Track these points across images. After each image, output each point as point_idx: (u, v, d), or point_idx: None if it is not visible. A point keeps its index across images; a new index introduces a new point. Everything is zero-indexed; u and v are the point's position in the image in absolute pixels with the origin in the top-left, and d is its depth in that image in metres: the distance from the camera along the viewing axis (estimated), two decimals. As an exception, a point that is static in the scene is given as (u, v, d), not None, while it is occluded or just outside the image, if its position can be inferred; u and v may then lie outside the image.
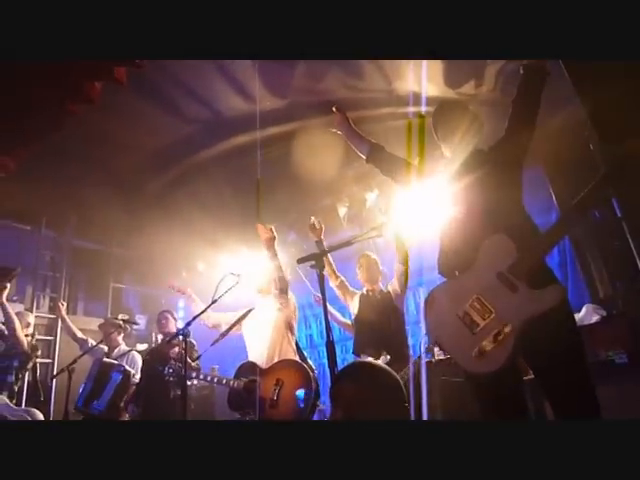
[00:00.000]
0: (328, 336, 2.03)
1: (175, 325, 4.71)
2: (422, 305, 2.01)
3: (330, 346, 2.02)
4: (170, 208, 5.62)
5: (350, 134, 2.57)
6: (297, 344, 3.72)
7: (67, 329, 4.84)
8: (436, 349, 3.83)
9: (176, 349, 4.15)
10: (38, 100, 3.22)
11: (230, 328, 3.48)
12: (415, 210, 3.45)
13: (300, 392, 3.23)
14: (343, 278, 4.06)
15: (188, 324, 3.22)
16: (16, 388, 4.33)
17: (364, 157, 2.52)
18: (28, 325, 4.59)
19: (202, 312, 3.42)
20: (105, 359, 4.49)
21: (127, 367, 4.45)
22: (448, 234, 2.13)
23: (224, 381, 3.55)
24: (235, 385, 3.45)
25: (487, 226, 1.94)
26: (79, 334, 4.81)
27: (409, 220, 3.92)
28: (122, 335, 4.73)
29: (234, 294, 3.56)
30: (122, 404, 4.38)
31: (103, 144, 4.69)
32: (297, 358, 3.55)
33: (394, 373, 1.64)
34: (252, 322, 3.69)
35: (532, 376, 2.01)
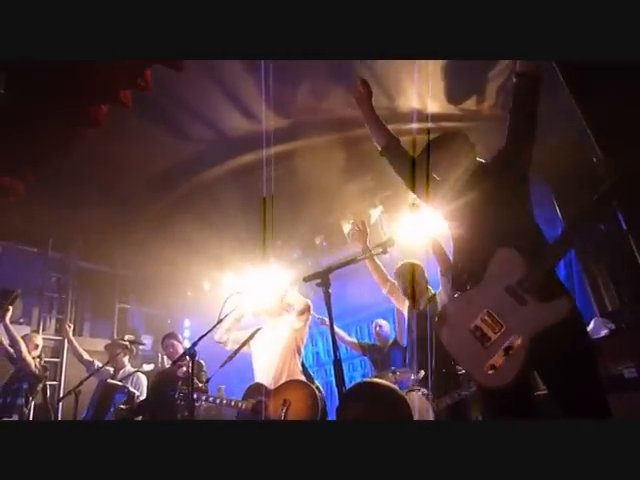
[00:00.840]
0: (335, 354, 2.02)
1: (182, 348, 4.68)
2: (436, 320, 2.00)
3: (338, 365, 2.01)
4: (176, 228, 5.65)
5: (369, 115, 2.46)
6: (303, 364, 3.68)
7: (74, 351, 4.83)
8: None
9: (184, 369, 4.12)
10: (48, 125, 3.28)
11: (239, 349, 3.46)
12: (423, 225, 3.36)
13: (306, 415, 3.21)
14: (393, 281, 3.76)
15: (194, 344, 3.22)
16: (26, 411, 4.33)
17: (379, 148, 2.45)
18: (36, 347, 4.60)
19: (208, 332, 3.40)
20: (109, 380, 4.46)
21: (131, 388, 4.42)
22: (459, 250, 2.14)
23: (232, 403, 3.54)
24: (243, 407, 3.44)
25: (495, 240, 1.94)
26: (85, 356, 4.80)
27: (419, 235, 3.81)
28: (128, 357, 4.71)
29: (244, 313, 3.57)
30: None
31: (108, 166, 4.74)
32: (304, 378, 3.53)
33: (400, 391, 1.62)
34: (261, 341, 3.67)
35: (544, 390, 1.99)
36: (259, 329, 3.63)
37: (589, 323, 3.71)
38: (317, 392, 3.34)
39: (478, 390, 2.00)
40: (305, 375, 3.60)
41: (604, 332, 3.65)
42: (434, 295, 3.53)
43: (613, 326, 3.70)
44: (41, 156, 3.69)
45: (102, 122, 3.46)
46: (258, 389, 3.49)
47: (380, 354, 4.68)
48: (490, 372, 1.78)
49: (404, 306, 3.75)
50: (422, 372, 3.31)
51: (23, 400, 4.35)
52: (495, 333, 1.83)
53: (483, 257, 1.94)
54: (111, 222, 5.41)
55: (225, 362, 3.20)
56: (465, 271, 2.06)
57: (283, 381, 3.45)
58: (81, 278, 6.84)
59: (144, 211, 5.54)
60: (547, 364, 1.82)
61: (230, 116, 4.42)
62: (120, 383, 4.43)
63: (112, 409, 4.25)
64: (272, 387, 3.45)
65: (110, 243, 5.97)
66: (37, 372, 4.48)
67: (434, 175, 2.27)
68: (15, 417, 4.22)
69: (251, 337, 3.57)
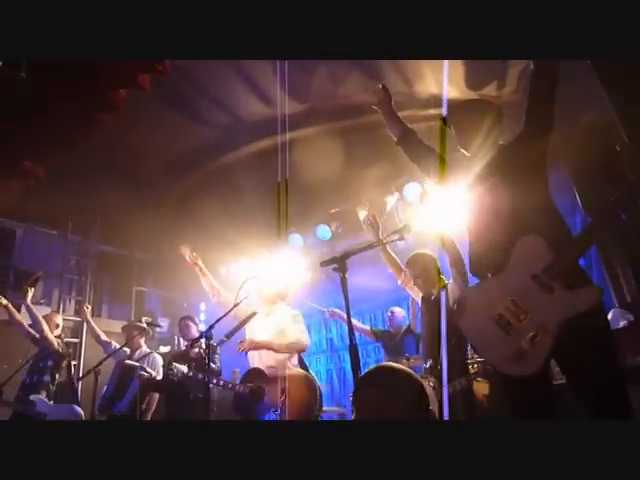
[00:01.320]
0: (351, 340, 2.02)
1: (197, 330, 4.76)
2: (454, 308, 1.99)
3: (353, 350, 2.02)
4: (193, 213, 5.69)
5: (388, 114, 2.53)
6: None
7: (92, 331, 4.92)
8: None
9: (196, 350, 4.21)
10: (67, 109, 3.30)
11: (235, 331, 3.45)
12: (443, 211, 3.31)
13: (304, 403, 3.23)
14: (407, 270, 3.65)
15: (211, 327, 3.26)
16: (53, 387, 4.47)
17: (395, 139, 2.49)
18: (57, 326, 4.73)
19: (224, 315, 3.43)
20: (127, 361, 4.54)
21: (149, 369, 4.51)
22: (477, 235, 2.10)
23: (229, 385, 3.59)
24: (241, 390, 3.48)
25: (518, 226, 1.91)
26: (103, 337, 4.89)
27: (438, 221, 3.76)
28: (144, 338, 4.78)
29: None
30: (144, 407, 4.43)
31: (126, 150, 4.78)
32: (299, 367, 3.55)
33: (416, 376, 1.62)
34: (257, 327, 3.69)
35: (561, 380, 1.98)
36: (254, 313, 3.60)
37: (608, 314, 3.67)
38: (315, 384, 3.33)
39: (498, 378, 1.99)
40: (300, 365, 3.64)
41: (623, 323, 3.60)
42: (446, 285, 3.51)
43: (632, 317, 3.65)
44: (61, 140, 3.73)
45: (121, 106, 3.48)
46: (257, 374, 3.52)
47: (393, 341, 4.69)
48: (515, 361, 1.77)
49: (418, 295, 3.74)
50: (430, 361, 3.32)
51: (49, 377, 4.49)
52: (520, 321, 1.80)
53: (505, 244, 1.91)
54: (130, 206, 5.46)
55: (221, 341, 3.20)
56: (485, 258, 2.03)
57: (275, 368, 3.46)
58: (100, 261, 6.94)
59: (162, 195, 5.58)
60: (569, 354, 1.80)
61: (247, 101, 4.41)
62: (138, 364, 4.50)
63: (131, 389, 4.35)
64: (268, 373, 3.47)
65: (129, 227, 6.03)
66: (60, 349, 4.61)
67: (459, 146, 2.25)
68: (43, 394, 4.38)
69: (247, 320, 3.53)
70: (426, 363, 3.33)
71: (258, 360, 3.63)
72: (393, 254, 3.73)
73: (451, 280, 3.37)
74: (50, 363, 4.52)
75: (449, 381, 3.14)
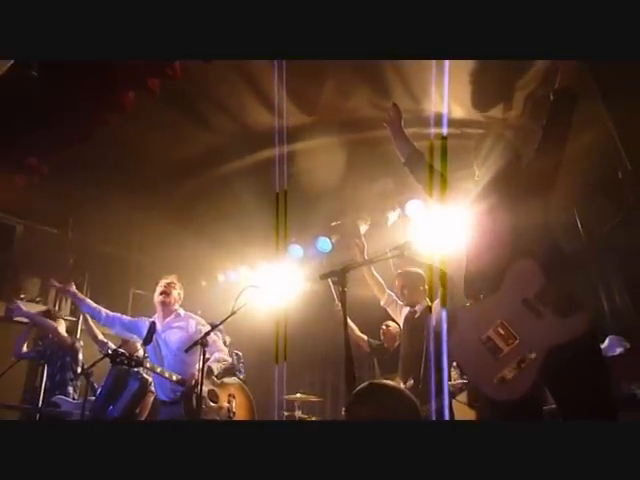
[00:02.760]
0: (348, 352, 2.02)
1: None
2: (444, 328, 1.99)
3: (349, 363, 2.01)
4: (193, 218, 5.69)
5: (397, 133, 2.56)
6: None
7: (89, 330, 4.87)
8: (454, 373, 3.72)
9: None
10: (75, 108, 3.33)
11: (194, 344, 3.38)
12: (441, 230, 3.37)
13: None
14: (391, 293, 3.82)
15: (207, 334, 3.26)
16: (78, 383, 4.59)
17: (403, 159, 2.52)
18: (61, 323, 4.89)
19: (221, 323, 3.45)
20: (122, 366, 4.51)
21: (144, 375, 4.49)
22: (474, 256, 2.11)
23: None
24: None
25: (514, 250, 1.92)
26: (100, 336, 4.85)
27: (436, 240, 3.81)
28: (140, 341, 4.75)
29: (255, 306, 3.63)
30: (137, 411, 4.40)
31: (130, 152, 4.80)
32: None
33: (408, 393, 1.62)
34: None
35: (552, 405, 1.96)
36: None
37: (604, 341, 3.66)
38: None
39: (485, 402, 1.98)
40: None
41: (619, 350, 3.59)
42: (430, 307, 3.55)
43: (628, 345, 3.64)
44: (66, 138, 3.75)
45: (128, 108, 3.50)
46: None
47: (385, 355, 4.67)
48: (500, 385, 1.76)
49: (400, 318, 3.78)
50: (411, 381, 3.32)
51: (71, 373, 4.57)
52: (508, 345, 1.80)
53: (500, 267, 1.92)
54: (130, 207, 5.47)
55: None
56: (479, 280, 2.04)
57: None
58: (97, 261, 6.92)
59: (163, 198, 5.59)
60: (559, 380, 1.79)
61: (254, 110, 4.44)
62: (135, 369, 4.48)
63: (125, 393, 4.35)
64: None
65: (128, 228, 6.04)
66: (74, 343, 4.73)
67: (475, 167, 2.29)
68: (70, 389, 4.51)
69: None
70: (406, 382, 3.33)
71: None
72: (377, 275, 3.81)
73: (437, 301, 3.46)
74: (68, 359, 4.61)
75: (428, 402, 3.14)
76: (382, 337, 4.82)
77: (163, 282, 4.03)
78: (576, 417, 1.75)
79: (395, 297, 3.80)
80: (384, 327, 4.84)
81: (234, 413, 3.73)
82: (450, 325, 2.00)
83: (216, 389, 3.70)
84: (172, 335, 3.82)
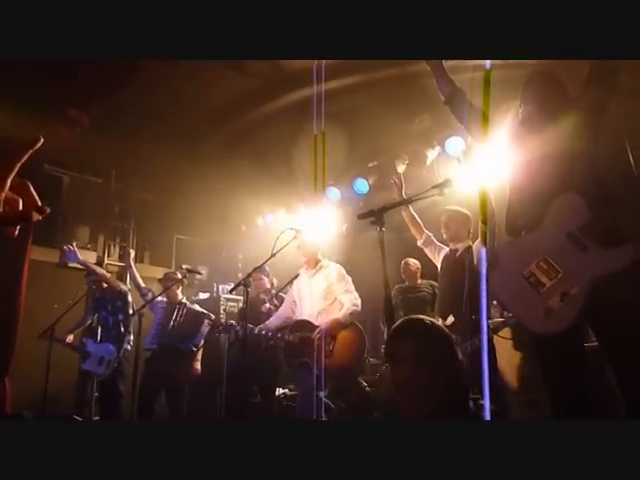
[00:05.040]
0: (386, 291, 2.05)
1: (269, 282, 4.92)
2: (483, 265, 1.99)
3: (388, 301, 2.05)
4: (231, 163, 5.72)
5: (439, 71, 2.45)
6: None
7: (132, 277, 5.04)
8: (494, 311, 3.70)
9: (267, 305, 4.49)
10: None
11: (281, 289, 3.66)
12: (483, 168, 3.27)
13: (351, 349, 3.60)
14: (429, 233, 3.79)
15: (248, 276, 3.41)
16: (131, 326, 4.82)
17: (443, 98, 2.43)
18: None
19: (262, 265, 3.62)
20: (192, 306, 4.87)
21: (213, 316, 4.88)
22: (517, 192, 2.07)
23: (279, 335, 3.84)
24: (291, 339, 3.72)
25: (558, 185, 1.86)
26: (142, 284, 5.02)
27: (477, 178, 3.71)
28: (181, 289, 4.93)
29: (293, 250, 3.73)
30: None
31: (166, 98, 4.80)
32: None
33: (446, 329, 1.65)
34: (298, 289, 3.94)
35: (594, 343, 1.96)
36: (297, 275, 3.91)
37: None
38: (361, 333, 3.62)
39: (529, 339, 1.99)
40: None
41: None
42: (470, 246, 3.52)
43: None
44: (103, 87, 3.78)
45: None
46: (303, 324, 3.73)
47: (413, 293, 4.70)
48: (543, 318, 1.76)
49: (437, 259, 3.77)
50: (451, 318, 3.35)
51: (122, 315, 4.85)
52: (550, 279, 1.79)
53: (543, 202, 1.88)
54: (170, 154, 5.53)
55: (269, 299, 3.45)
56: (521, 217, 2.01)
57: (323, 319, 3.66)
58: (141, 209, 7.14)
59: (202, 144, 5.62)
60: (602, 313, 1.77)
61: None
62: (205, 311, 4.86)
63: (201, 330, 4.71)
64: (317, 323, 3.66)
65: (169, 175, 6.14)
66: (123, 288, 5.02)
67: (520, 110, 2.21)
68: (122, 330, 4.80)
69: (290, 282, 3.89)
70: (445, 320, 3.36)
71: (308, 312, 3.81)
72: (415, 215, 3.74)
73: (478, 240, 3.43)
74: (119, 303, 4.89)
75: (465, 341, 3.18)
76: (402, 275, 4.81)
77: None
78: (619, 352, 1.74)
79: (433, 238, 3.78)
80: (403, 264, 4.81)
81: (330, 352, 3.57)
82: (491, 262, 1.98)
83: (311, 334, 3.66)
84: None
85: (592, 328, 1.91)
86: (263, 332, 3.88)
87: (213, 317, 4.88)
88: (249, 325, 3.62)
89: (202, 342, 4.78)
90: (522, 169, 2.04)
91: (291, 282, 3.88)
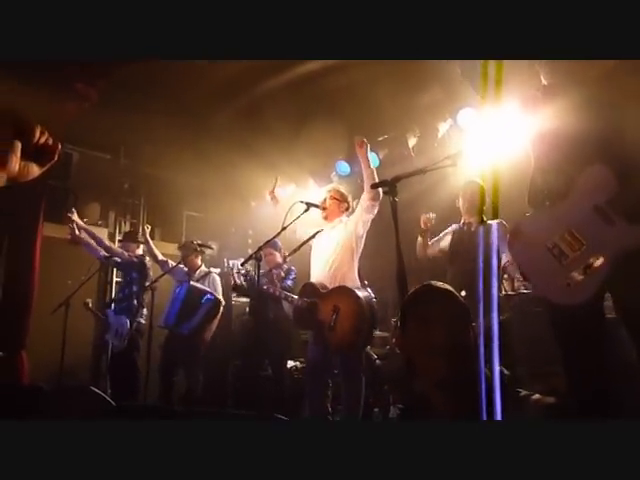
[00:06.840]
0: (399, 263, 2.04)
1: (281, 256, 4.89)
2: (507, 236, 1.97)
3: (401, 273, 2.04)
4: (239, 138, 5.68)
5: None
6: (359, 272, 3.72)
7: (150, 251, 5.15)
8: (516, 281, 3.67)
9: (277, 271, 4.61)
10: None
11: (299, 247, 3.69)
12: (497, 140, 3.22)
13: (354, 322, 3.35)
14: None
15: (259, 249, 3.46)
16: (145, 298, 4.85)
17: (459, 70, 2.39)
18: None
19: (273, 238, 3.63)
20: (194, 284, 4.81)
21: (217, 295, 4.80)
22: (541, 164, 2.02)
23: (289, 299, 3.81)
24: (299, 303, 3.64)
25: (585, 156, 1.82)
26: (160, 256, 5.12)
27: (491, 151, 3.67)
28: (200, 257, 4.99)
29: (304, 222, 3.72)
30: (205, 334, 4.73)
31: (174, 72, 4.75)
32: (358, 283, 3.61)
33: (460, 296, 1.64)
34: (318, 243, 3.80)
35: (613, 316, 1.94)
36: (319, 231, 3.76)
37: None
38: (366, 306, 3.40)
39: (549, 313, 1.98)
40: (361, 280, 3.69)
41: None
42: (485, 220, 3.49)
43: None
44: (111, 62, 3.74)
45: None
46: (311, 289, 3.63)
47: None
48: (565, 289, 1.75)
49: (444, 246, 3.80)
50: (463, 292, 3.34)
51: (138, 287, 4.90)
52: (574, 251, 1.77)
53: (569, 173, 1.84)
54: (178, 130, 5.50)
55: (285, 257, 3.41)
56: (545, 188, 1.97)
57: (336, 284, 3.52)
58: (151, 185, 7.14)
59: (210, 119, 5.58)
60: (624, 288, 1.75)
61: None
62: (207, 288, 4.80)
63: (200, 311, 4.65)
64: (326, 287, 3.57)
65: (178, 151, 6.11)
66: (139, 260, 5.04)
67: (542, 77, 2.13)
68: (135, 303, 4.85)
69: (312, 237, 3.73)
70: (460, 292, 3.36)
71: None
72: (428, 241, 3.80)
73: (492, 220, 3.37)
74: (135, 275, 4.94)
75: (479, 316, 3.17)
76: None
77: None
78: (637, 328, 1.73)
79: (433, 239, 3.86)
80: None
81: (332, 327, 3.41)
82: (514, 232, 1.96)
83: (317, 300, 3.55)
84: None
85: (614, 302, 1.89)
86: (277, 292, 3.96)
87: (217, 296, 4.80)
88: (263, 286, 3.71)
89: (200, 327, 4.65)
90: (546, 139, 1.99)
91: (310, 239, 3.75)
